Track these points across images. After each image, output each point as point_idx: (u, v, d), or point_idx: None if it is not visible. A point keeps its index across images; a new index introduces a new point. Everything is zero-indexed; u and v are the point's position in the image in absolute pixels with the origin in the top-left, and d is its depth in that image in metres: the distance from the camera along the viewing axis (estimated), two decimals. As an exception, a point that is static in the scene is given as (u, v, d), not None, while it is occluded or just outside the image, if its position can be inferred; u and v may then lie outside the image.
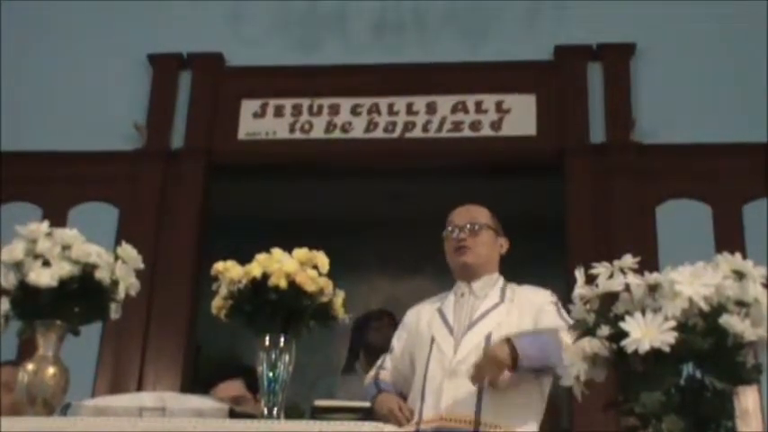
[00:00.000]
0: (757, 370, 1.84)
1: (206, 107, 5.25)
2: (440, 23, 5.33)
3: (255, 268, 2.38)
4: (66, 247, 2.48)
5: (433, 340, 3.30)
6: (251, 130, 5.20)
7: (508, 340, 3.05)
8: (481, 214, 3.45)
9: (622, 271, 1.97)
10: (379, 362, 3.53)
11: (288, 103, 5.22)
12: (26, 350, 2.98)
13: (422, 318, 3.42)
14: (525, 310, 3.29)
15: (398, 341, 3.49)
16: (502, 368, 3.02)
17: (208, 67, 5.35)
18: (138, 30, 5.41)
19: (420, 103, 5.15)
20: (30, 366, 2.44)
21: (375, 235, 6.82)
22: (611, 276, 1.97)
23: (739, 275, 1.89)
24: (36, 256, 2.45)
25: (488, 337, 3.21)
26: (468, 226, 3.38)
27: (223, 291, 2.45)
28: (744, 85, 4.91)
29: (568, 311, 2.08)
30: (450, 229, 3.42)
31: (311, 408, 2.21)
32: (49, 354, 2.46)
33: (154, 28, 5.41)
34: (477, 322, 3.27)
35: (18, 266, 2.46)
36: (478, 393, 3.10)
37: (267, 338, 2.40)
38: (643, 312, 1.83)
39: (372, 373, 3.51)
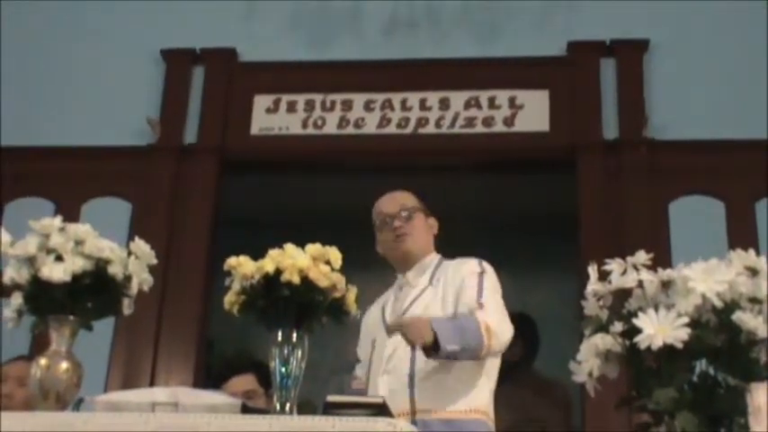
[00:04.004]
0: (770, 367, 1.83)
1: (219, 102, 5.25)
2: (453, 19, 5.32)
3: (268, 264, 2.38)
4: (79, 242, 2.48)
5: (374, 342, 3.25)
6: (264, 125, 5.19)
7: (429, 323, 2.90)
8: (408, 199, 3.37)
9: (635, 267, 1.98)
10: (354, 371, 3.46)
11: (301, 98, 5.22)
12: (39, 345, 3.00)
13: (369, 320, 3.35)
14: (449, 287, 3.19)
15: (357, 349, 3.43)
16: (421, 337, 2.84)
17: (221, 63, 5.34)
18: (152, 25, 5.41)
19: (433, 98, 5.14)
20: (43, 361, 2.44)
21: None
22: (624, 273, 1.98)
23: (752, 272, 1.89)
24: (49, 251, 2.46)
25: None
26: (402, 213, 3.31)
27: (236, 286, 2.45)
28: (757, 82, 4.89)
29: (584, 307, 2.06)
30: (382, 219, 3.33)
31: (323, 403, 2.21)
32: (62, 349, 2.46)
33: (167, 23, 5.41)
34: (404, 314, 3.19)
35: (31, 261, 2.47)
36: (410, 382, 3.06)
37: (280, 334, 2.41)
38: (656, 309, 1.83)
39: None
